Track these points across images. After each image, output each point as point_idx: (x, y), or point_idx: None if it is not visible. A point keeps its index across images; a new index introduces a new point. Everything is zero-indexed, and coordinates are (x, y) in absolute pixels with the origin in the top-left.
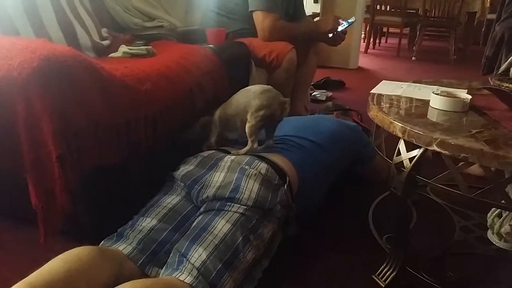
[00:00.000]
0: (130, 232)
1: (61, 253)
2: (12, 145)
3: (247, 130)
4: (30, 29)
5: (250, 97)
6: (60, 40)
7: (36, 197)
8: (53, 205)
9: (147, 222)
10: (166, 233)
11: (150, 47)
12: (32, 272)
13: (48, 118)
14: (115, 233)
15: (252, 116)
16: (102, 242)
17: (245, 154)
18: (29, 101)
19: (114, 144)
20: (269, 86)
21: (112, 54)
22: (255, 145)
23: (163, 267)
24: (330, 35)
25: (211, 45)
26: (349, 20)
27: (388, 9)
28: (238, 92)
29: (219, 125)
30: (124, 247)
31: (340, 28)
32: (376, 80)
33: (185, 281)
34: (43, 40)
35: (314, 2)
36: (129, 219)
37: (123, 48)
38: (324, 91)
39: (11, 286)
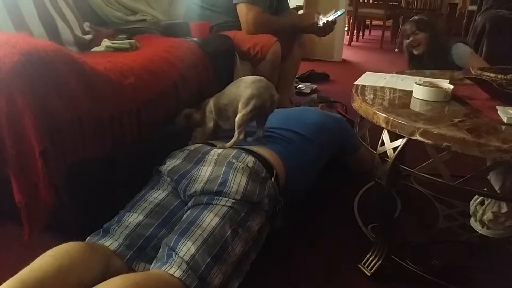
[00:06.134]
0: (117, 227)
1: (48, 249)
2: None
3: (237, 120)
4: (11, 24)
5: (242, 86)
6: (41, 35)
7: (19, 194)
8: (37, 201)
9: (134, 218)
10: (152, 229)
11: (133, 40)
12: (19, 269)
13: (31, 113)
14: (101, 229)
15: (243, 106)
16: (88, 238)
17: (231, 147)
18: (11, 96)
19: (98, 138)
20: (261, 77)
21: (95, 49)
22: (241, 137)
23: (150, 263)
24: (321, 24)
25: (195, 38)
26: (340, 11)
27: (371, 1)
28: (232, 83)
29: (214, 114)
30: (110, 243)
31: (331, 18)
32: (359, 72)
33: (175, 274)
34: (23, 35)
35: None
36: (115, 214)
37: (106, 42)
38: (309, 83)
39: (1, 284)
